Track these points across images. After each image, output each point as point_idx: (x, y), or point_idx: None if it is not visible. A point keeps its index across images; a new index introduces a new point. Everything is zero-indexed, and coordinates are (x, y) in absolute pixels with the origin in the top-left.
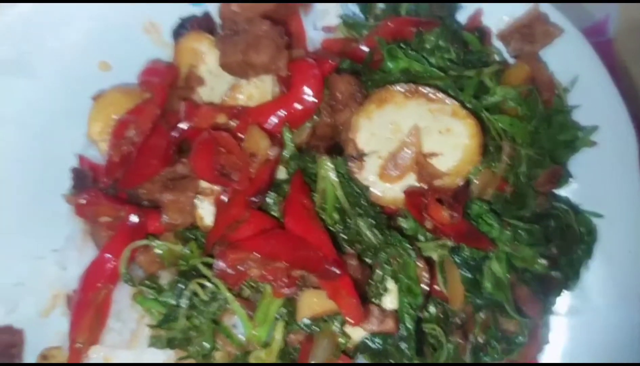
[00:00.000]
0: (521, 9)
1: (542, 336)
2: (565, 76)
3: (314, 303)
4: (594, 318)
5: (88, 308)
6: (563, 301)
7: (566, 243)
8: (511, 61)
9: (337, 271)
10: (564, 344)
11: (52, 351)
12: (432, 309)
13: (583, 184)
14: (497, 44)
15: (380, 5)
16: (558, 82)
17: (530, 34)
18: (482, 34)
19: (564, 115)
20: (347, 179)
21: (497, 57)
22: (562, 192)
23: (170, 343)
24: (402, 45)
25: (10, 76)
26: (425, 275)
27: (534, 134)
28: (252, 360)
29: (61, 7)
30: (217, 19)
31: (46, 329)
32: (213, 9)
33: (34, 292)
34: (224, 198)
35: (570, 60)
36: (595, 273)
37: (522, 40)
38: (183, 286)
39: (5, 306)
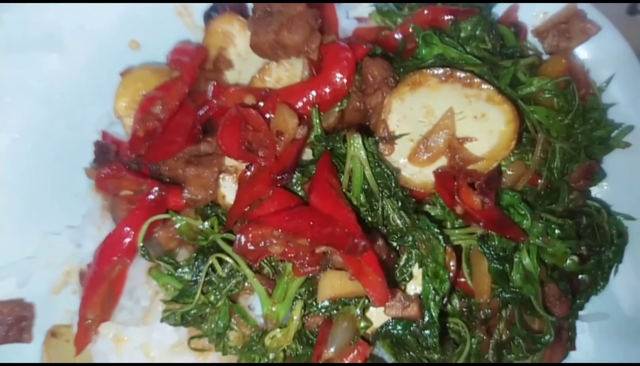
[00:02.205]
0: (557, 5)
1: (569, 341)
2: (601, 74)
3: (336, 284)
4: (622, 325)
5: (101, 283)
6: (590, 305)
7: (596, 243)
8: (546, 57)
9: (364, 243)
10: (589, 351)
11: (61, 329)
12: (455, 302)
13: (615, 186)
14: (532, 41)
15: None
16: (593, 80)
17: (567, 31)
18: (517, 29)
19: (599, 112)
20: (377, 160)
21: (531, 53)
22: (593, 193)
23: (183, 319)
24: (437, 32)
25: (40, 50)
26: (452, 263)
27: (569, 128)
28: (267, 340)
29: None
30: (249, 4)
31: (56, 306)
32: None
33: (47, 267)
34: (248, 175)
35: (606, 58)
36: (624, 278)
37: (558, 36)
38: (201, 262)
39: (17, 278)
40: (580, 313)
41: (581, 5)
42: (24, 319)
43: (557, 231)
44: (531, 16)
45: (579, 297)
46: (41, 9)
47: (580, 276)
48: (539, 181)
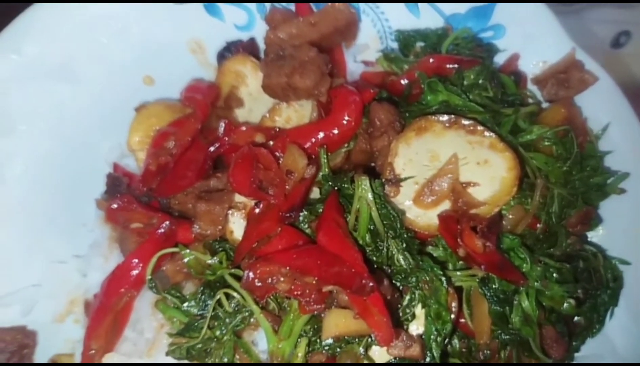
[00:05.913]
0: (557, 55)
1: None
2: (598, 123)
3: (340, 322)
4: None
5: (107, 314)
6: (586, 347)
7: (592, 286)
8: (545, 105)
9: (371, 284)
10: None
11: (62, 358)
12: (455, 342)
13: (611, 231)
14: (532, 88)
15: (420, 43)
16: (590, 128)
17: (566, 80)
18: (517, 77)
19: (596, 160)
20: (384, 201)
21: (531, 101)
22: (589, 237)
23: (189, 353)
24: (442, 79)
25: (54, 80)
26: (454, 305)
27: (567, 174)
28: None
29: (114, 18)
30: (262, 45)
31: (58, 335)
32: (259, 34)
33: (51, 296)
34: (257, 212)
35: (603, 107)
36: (619, 320)
37: (557, 85)
38: (207, 296)
39: (21, 306)
40: (576, 354)
41: (579, 56)
42: (25, 346)
43: (555, 275)
44: (531, 65)
45: (575, 339)
46: (59, 40)
47: (575, 318)
48: (538, 225)
